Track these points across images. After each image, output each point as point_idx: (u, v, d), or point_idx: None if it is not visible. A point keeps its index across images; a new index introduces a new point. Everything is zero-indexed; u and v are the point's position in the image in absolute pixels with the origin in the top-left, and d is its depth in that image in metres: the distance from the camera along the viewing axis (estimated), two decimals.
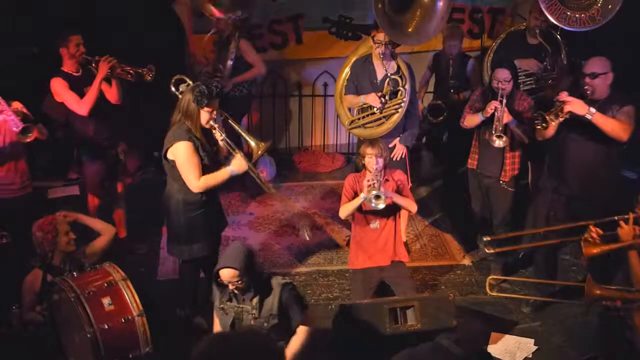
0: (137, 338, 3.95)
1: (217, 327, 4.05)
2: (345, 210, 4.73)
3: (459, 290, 5.28)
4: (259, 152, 4.41)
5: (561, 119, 4.48)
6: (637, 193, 3.91)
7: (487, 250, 4.78)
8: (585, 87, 4.48)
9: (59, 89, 5.08)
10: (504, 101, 4.88)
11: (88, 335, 3.77)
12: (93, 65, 5.11)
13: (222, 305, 3.90)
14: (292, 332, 3.94)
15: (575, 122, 4.49)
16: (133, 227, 5.91)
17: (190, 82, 4.64)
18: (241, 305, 3.85)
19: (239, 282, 3.71)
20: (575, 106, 4.41)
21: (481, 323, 4.87)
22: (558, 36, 5.78)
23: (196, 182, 4.22)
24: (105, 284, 3.95)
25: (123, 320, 3.90)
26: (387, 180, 4.66)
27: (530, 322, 4.91)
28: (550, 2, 4.82)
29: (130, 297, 3.97)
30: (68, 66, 5.13)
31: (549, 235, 4.75)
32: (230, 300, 3.87)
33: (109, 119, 5.31)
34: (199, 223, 4.39)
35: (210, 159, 4.31)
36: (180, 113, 4.24)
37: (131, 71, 5.15)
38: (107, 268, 4.10)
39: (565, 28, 4.91)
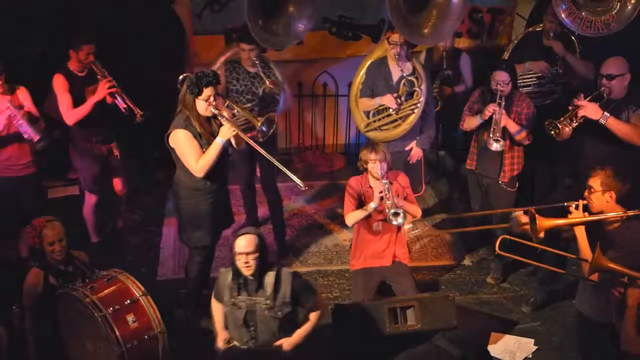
0: (158, 354, 4.03)
1: (219, 323, 4.06)
2: (353, 218, 4.70)
3: (459, 290, 5.29)
4: (259, 124, 4.62)
5: (575, 125, 4.52)
6: (587, 180, 3.80)
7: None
8: (603, 88, 4.53)
9: (58, 87, 5.07)
10: (502, 103, 4.87)
11: (116, 354, 3.83)
12: (99, 77, 5.08)
13: (233, 300, 3.91)
14: (304, 318, 4.02)
15: (593, 123, 4.51)
16: (133, 227, 5.93)
17: None
18: (253, 298, 3.88)
19: (254, 253, 3.76)
20: (589, 111, 4.47)
21: (481, 323, 4.88)
22: (574, 39, 5.71)
23: (195, 165, 4.33)
24: (128, 300, 3.99)
25: (147, 337, 3.97)
26: (390, 183, 4.64)
27: (530, 322, 4.92)
28: (566, 6, 4.78)
29: (152, 313, 4.03)
30: (74, 66, 5.14)
31: None
32: (240, 293, 3.89)
33: (102, 114, 5.26)
34: (204, 211, 4.48)
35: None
36: (180, 106, 4.38)
37: (127, 104, 5.10)
38: (123, 280, 4.10)
39: (578, 32, 4.88)
